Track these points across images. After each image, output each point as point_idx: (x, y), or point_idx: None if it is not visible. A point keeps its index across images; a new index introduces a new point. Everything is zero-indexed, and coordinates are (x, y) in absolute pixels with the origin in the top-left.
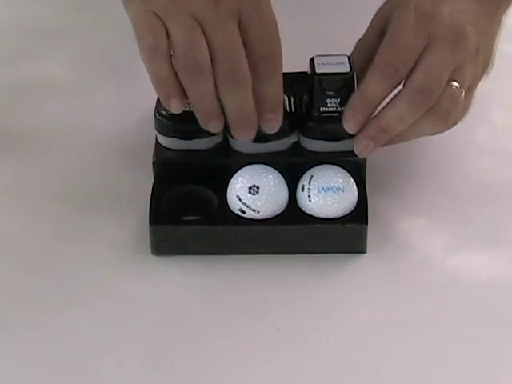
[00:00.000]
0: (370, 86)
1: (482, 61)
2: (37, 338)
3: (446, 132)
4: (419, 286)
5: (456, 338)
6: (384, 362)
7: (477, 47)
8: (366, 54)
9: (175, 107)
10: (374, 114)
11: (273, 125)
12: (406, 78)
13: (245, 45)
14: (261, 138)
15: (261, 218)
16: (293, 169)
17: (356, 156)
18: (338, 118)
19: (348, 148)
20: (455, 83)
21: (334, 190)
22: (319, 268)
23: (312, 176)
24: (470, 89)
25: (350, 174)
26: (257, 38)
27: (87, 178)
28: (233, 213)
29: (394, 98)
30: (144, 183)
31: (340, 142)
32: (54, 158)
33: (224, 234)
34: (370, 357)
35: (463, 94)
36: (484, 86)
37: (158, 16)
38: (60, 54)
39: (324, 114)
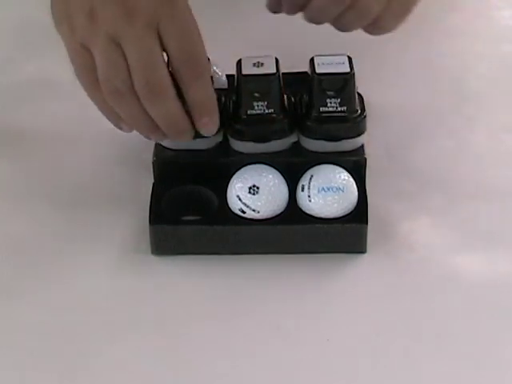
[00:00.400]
0: None
1: None
2: (36, 337)
3: (446, 132)
4: (419, 285)
5: (456, 338)
6: (384, 361)
7: None
8: None
9: (126, 131)
10: None
11: (209, 128)
12: None
13: (167, 54)
14: (261, 137)
15: (261, 218)
16: (293, 169)
17: (356, 156)
18: (337, 118)
19: (348, 148)
20: None
21: (334, 189)
22: (319, 268)
23: (312, 176)
24: None
25: (350, 173)
26: (175, 45)
27: (87, 177)
28: (233, 213)
29: None
30: (144, 183)
31: (340, 142)
32: (53, 157)
33: (224, 234)
34: (370, 357)
35: None
36: (483, 86)
37: (84, 47)
38: (60, 53)
39: (324, 114)
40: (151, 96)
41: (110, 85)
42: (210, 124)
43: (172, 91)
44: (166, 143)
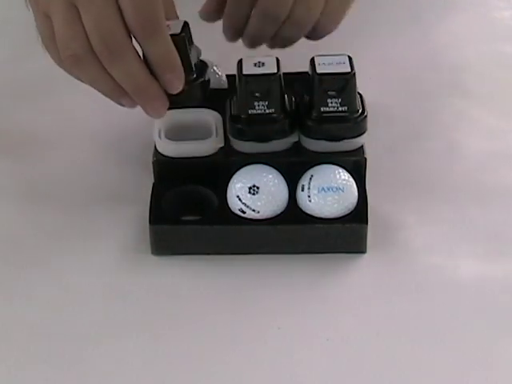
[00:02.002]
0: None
1: None
2: (36, 337)
3: (446, 132)
4: (419, 285)
5: (456, 338)
6: (384, 361)
7: None
8: None
9: (129, 105)
10: None
11: (175, 85)
12: None
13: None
14: (261, 137)
15: (261, 218)
16: (293, 169)
17: (356, 156)
18: (338, 118)
19: (348, 148)
20: None
21: (334, 189)
22: (319, 268)
23: (312, 176)
24: None
25: (350, 173)
26: (129, 6)
27: (87, 177)
28: (233, 213)
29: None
30: (144, 183)
31: (340, 142)
32: (53, 157)
33: (224, 234)
34: (369, 356)
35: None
36: (484, 87)
37: (47, 15)
38: None
39: (324, 114)
40: (111, 57)
41: (68, 49)
42: (174, 80)
43: (132, 51)
44: (166, 151)
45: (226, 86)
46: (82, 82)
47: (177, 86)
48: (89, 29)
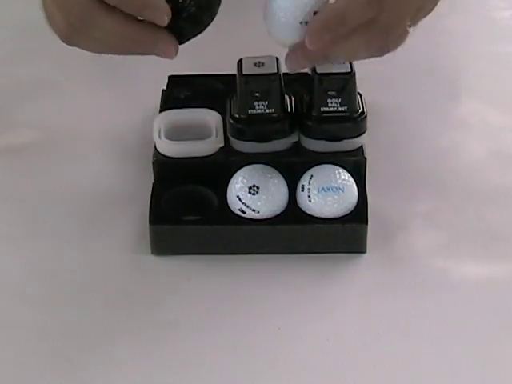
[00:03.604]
0: (353, 9)
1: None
2: (36, 337)
3: (446, 132)
4: (419, 285)
5: (456, 338)
6: (384, 361)
7: None
8: None
9: (167, 54)
10: None
11: (158, 18)
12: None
13: None
14: (261, 137)
15: (261, 218)
16: (293, 169)
17: (356, 156)
18: (338, 118)
19: (348, 148)
20: (409, 28)
21: (334, 189)
22: (319, 268)
23: (312, 176)
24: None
25: (350, 173)
26: None
27: (87, 177)
28: (233, 213)
29: (353, 31)
30: (144, 183)
31: (340, 142)
32: (53, 158)
33: (224, 234)
34: (370, 357)
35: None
36: (483, 87)
37: None
38: (60, 53)
39: (325, 114)
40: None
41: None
42: (157, 16)
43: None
44: (166, 151)
45: None
46: (91, 49)
47: (162, 18)
48: None
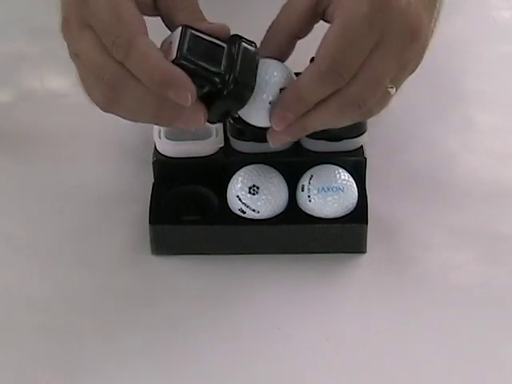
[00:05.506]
0: (308, 86)
1: (422, 56)
2: (36, 338)
3: (446, 132)
4: (419, 286)
5: (456, 338)
6: (384, 361)
7: (426, 44)
8: (293, 22)
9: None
10: None
11: (182, 98)
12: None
13: None
14: (261, 137)
15: (261, 217)
16: (293, 169)
17: (356, 156)
18: None
19: (348, 148)
20: (391, 90)
21: (334, 189)
22: (319, 268)
23: (312, 176)
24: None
25: (350, 173)
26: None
27: (87, 177)
28: (233, 213)
29: (323, 104)
30: (144, 183)
31: (340, 142)
32: (53, 158)
33: (224, 234)
34: (370, 357)
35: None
36: (483, 87)
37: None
38: (59, 53)
39: None
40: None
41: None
42: (179, 96)
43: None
44: (166, 151)
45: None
46: (125, 117)
47: (185, 98)
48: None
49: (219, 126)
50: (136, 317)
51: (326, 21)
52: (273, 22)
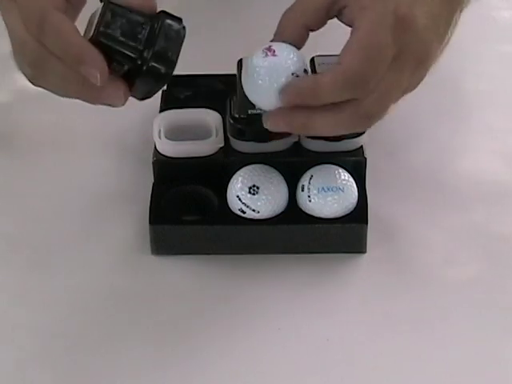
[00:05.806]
0: (328, 86)
1: (422, 79)
2: (36, 337)
3: (446, 132)
4: (419, 286)
5: (456, 338)
6: (384, 361)
7: (428, 70)
8: (308, 15)
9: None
10: None
11: (93, 75)
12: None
13: None
14: (261, 137)
15: (261, 217)
16: (293, 169)
17: (356, 156)
18: None
19: (348, 148)
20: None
21: (334, 189)
22: (319, 268)
23: (312, 176)
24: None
25: (350, 173)
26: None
27: (87, 177)
28: (233, 213)
29: (335, 108)
30: (144, 183)
31: (340, 142)
32: (53, 158)
33: (224, 234)
34: (369, 356)
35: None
36: (483, 87)
37: None
38: None
39: None
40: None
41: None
42: (89, 73)
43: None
44: (166, 151)
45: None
46: (52, 91)
47: (94, 75)
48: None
49: (219, 126)
50: (136, 317)
51: (340, 20)
52: (287, 12)
